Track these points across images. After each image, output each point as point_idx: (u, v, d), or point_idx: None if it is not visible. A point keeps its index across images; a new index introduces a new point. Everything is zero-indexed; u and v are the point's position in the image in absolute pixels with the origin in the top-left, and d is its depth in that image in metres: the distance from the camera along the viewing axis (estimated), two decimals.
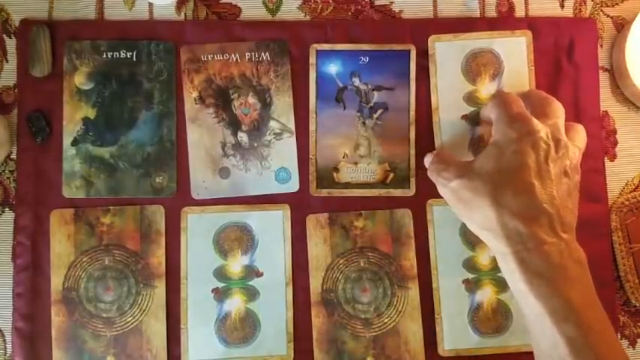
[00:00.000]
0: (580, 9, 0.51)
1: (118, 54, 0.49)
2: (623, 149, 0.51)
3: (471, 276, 0.49)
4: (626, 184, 0.51)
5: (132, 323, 0.47)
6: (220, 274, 0.48)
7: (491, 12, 0.51)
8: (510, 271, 0.39)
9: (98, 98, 0.49)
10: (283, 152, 0.49)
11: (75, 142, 0.48)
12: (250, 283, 0.48)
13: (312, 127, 0.49)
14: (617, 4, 0.52)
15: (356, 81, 0.50)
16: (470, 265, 0.49)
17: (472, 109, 0.50)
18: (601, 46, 0.51)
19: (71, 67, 0.49)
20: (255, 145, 0.49)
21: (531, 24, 0.50)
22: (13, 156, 0.49)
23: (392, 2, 0.51)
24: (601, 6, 0.52)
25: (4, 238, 0.49)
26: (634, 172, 0.51)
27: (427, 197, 0.49)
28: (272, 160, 0.49)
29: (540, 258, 0.38)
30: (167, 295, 0.48)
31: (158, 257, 0.48)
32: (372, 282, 0.48)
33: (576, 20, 0.51)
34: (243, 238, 0.48)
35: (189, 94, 0.49)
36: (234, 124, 0.49)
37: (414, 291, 0.48)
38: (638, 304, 0.49)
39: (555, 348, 0.37)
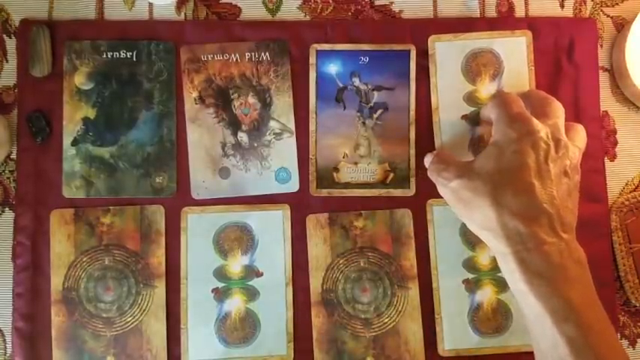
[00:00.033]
0: (580, 9, 0.51)
1: (118, 54, 0.49)
2: (623, 149, 0.51)
3: (471, 276, 0.49)
4: (626, 184, 0.51)
5: (132, 323, 0.47)
6: (220, 274, 0.48)
7: (492, 12, 0.51)
8: (510, 271, 0.39)
9: (98, 98, 0.49)
10: (283, 152, 0.49)
11: (75, 142, 0.48)
12: (250, 283, 0.48)
13: (312, 127, 0.49)
14: (617, 4, 0.52)
15: (356, 81, 0.50)
16: (470, 265, 0.49)
17: (472, 109, 0.50)
18: (601, 46, 0.51)
19: (71, 67, 0.49)
20: (255, 145, 0.49)
21: (531, 24, 0.50)
22: (13, 156, 0.49)
23: (392, 2, 0.51)
24: (601, 6, 0.52)
25: (4, 238, 0.49)
26: (634, 172, 0.51)
27: (427, 197, 0.49)
28: (272, 160, 0.49)
29: (540, 258, 0.38)
30: (167, 295, 0.48)
31: (158, 257, 0.48)
32: (372, 282, 0.48)
33: (576, 20, 0.51)
34: (243, 238, 0.48)
35: (189, 94, 0.49)
36: (234, 124, 0.49)
37: (414, 291, 0.48)
38: (638, 304, 0.49)
39: (555, 348, 0.37)
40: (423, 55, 0.50)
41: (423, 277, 0.48)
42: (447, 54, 0.50)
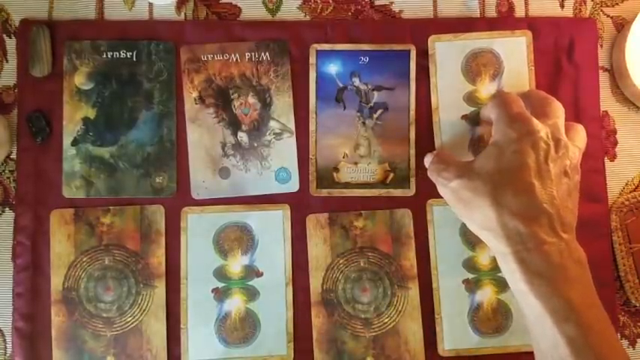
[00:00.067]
0: (580, 9, 0.51)
1: (118, 54, 0.49)
2: (623, 149, 0.51)
3: (471, 276, 0.49)
4: (626, 184, 0.51)
5: (132, 323, 0.47)
6: (220, 274, 0.48)
7: (492, 12, 0.51)
8: (510, 271, 0.39)
9: (98, 98, 0.49)
10: (283, 152, 0.49)
11: (75, 142, 0.48)
12: (250, 283, 0.48)
13: (312, 127, 0.49)
14: (617, 4, 0.52)
15: (356, 81, 0.50)
16: (470, 265, 0.49)
17: (472, 109, 0.50)
18: (601, 46, 0.51)
19: (71, 67, 0.49)
20: (255, 145, 0.49)
21: (531, 24, 0.50)
22: (13, 156, 0.49)
23: (392, 2, 0.51)
24: (601, 6, 0.52)
25: (4, 238, 0.49)
26: (634, 172, 0.51)
27: (427, 197, 0.49)
28: (272, 160, 0.49)
29: (540, 258, 0.38)
30: (167, 295, 0.48)
31: (158, 257, 0.48)
32: (372, 282, 0.48)
33: (576, 20, 0.51)
34: (243, 238, 0.48)
35: (189, 94, 0.49)
36: (234, 124, 0.49)
37: (414, 291, 0.48)
38: (638, 304, 0.49)
39: (556, 348, 0.37)
40: (423, 55, 0.50)
41: (423, 277, 0.48)
42: (447, 54, 0.50)
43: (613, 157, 0.51)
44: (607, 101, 0.51)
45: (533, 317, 0.38)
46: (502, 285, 0.48)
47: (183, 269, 0.48)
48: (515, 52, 0.50)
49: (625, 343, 0.49)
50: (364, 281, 0.48)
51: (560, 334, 0.36)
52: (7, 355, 0.48)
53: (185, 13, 0.50)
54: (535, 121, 0.41)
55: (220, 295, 0.48)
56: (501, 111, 0.42)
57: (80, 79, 0.49)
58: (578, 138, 0.43)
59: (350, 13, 0.51)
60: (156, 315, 0.47)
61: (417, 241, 0.49)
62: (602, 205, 0.50)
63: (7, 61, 0.50)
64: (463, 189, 0.41)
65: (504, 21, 0.50)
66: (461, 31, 0.50)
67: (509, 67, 0.50)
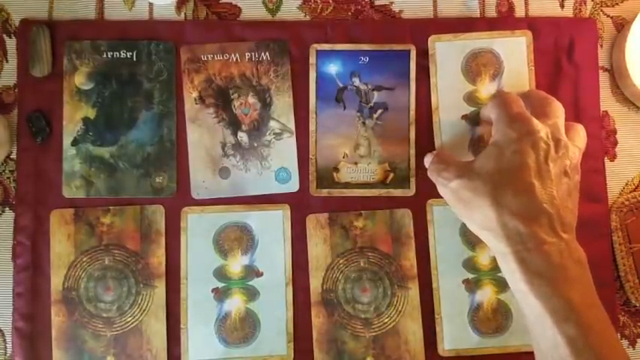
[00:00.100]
0: (580, 9, 0.51)
1: (118, 54, 0.49)
2: (623, 149, 0.51)
3: (471, 276, 0.49)
4: (626, 184, 0.51)
5: (132, 323, 0.47)
6: (220, 274, 0.48)
7: (492, 12, 0.51)
8: (510, 271, 0.39)
9: (98, 98, 0.49)
10: (283, 152, 0.49)
11: (75, 142, 0.48)
12: (250, 283, 0.48)
13: (312, 127, 0.49)
14: (617, 4, 0.52)
15: (356, 81, 0.50)
16: (470, 265, 0.49)
17: (472, 109, 0.50)
18: (601, 46, 0.51)
19: (71, 67, 0.49)
20: (255, 145, 0.49)
21: (531, 24, 0.50)
22: (13, 156, 0.49)
23: (392, 2, 0.51)
24: (601, 6, 0.52)
25: (4, 238, 0.49)
26: (634, 172, 0.51)
27: (427, 197, 0.49)
28: (272, 160, 0.49)
29: (540, 258, 0.38)
30: (167, 295, 0.48)
31: (158, 257, 0.48)
32: (372, 282, 0.48)
33: (576, 20, 0.51)
34: (243, 238, 0.48)
35: (189, 94, 0.49)
36: (234, 124, 0.49)
37: (414, 291, 0.48)
38: (638, 304, 0.49)
39: (556, 348, 0.37)
40: (423, 55, 0.50)
41: (423, 277, 0.48)
42: (447, 54, 0.50)
43: (613, 157, 0.51)
44: (607, 101, 0.51)
45: (533, 317, 0.38)
46: (502, 285, 0.48)
47: (183, 269, 0.48)
48: (515, 52, 0.50)
49: (625, 343, 0.49)
50: (364, 281, 0.48)
51: (560, 334, 0.36)
52: (7, 355, 0.48)
53: (185, 13, 0.50)
54: (535, 121, 0.41)
55: (220, 295, 0.48)
56: (501, 111, 0.42)
57: (80, 79, 0.49)
58: (578, 138, 0.43)
59: (350, 13, 0.51)
60: (156, 315, 0.47)
61: (417, 241, 0.49)
62: (602, 205, 0.49)
63: (7, 61, 0.50)
64: (463, 189, 0.41)
65: (504, 21, 0.50)
66: (461, 31, 0.50)
67: (509, 67, 0.50)
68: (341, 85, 0.50)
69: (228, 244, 0.48)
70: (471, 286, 0.49)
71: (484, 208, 0.40)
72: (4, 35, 0.50)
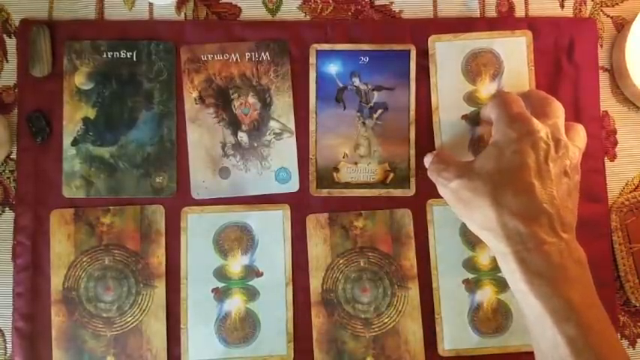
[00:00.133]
0: (580, 9, 0.51)
1: (118, 54, 0.49)
2: (623, 149, 0.51)
3: (471, 276, 0.49)
4: (626, 184, 0.51)
5: (132, 323, 0.47)
6: (220, 274, 0.48)
7: (492, 12, 0.51)
8: (511, 271, 0.39)
9: (98, 98, 0.49)
10: (283, 152, 0.49)
11: (75, 142, 0.48)
12: (250, 283, 0.48)
13: (312, 127, 0.49)
14: (617, 4, 0.52)
15: (356, 81, 0.50)
16: (470, 265, 0.49)
17: (472, 109, 0.50)
18: (601, 46, 0.51)
19: (71, 67, 0.49)
20: (255, 145, 0.49)
21: (531, 24, 0.50)
22: (13, 156, 0.49)
23: (392, 2, 0.51)
24: (601, 6, 0.52)
25: (4, 238, 0.49)
26: (634, 172, 0.51)
27: (427, 197, 0.49)
28: (272, 160, 0.49)
29: (540, 258, 0.38)
30: (167, 295, 0.48)
31: (158, 257, 0.48)
32: (372, 282, 0.48)
33: (576, 20, 0.51)
34: (243, 238, 0.48)
35: (189, 94, 0.49)
36: (234, 124, 0.49)
37: (414, 291, 0.48)
38: (638, 304, 0.49)
39: (556, 348, 0.37)
40: (423, 55, 0.50)
41: (423, 277, 0.48)
42: (447, 54, 0.50)
43: (613, 157, 0.51)
44: (607, 101, 0.51)
45: (534, 317, 0.38)
46: (502, 285, 0.48)
47: (183, 269, 0.48)
48: (515, 52, 0.50)
49: (625, 343, 0.49)
50: (364, 281, 0.48)
51: (560, 334, 0.36)
52: (7, 355, 0.48)
53: (185, 13, 0.50)
54: (535, 121, 0.41)
55: (220, 295, 0.48)
56: (501, 111, 0.42)
57: (80, 79, 0.49)
58: (578, 138, 0.43)
59: (350, 13, 0.51)
60: (156, 315, 0.47)
61: (417, 241, 0.49)
62: (602, 205, 0.50)
63: (7, 61, 0.50)
64: (463, 189, 0.41)
65: (504, 21, 0.50)
66: (461, 31, 0.50)
67: (509, 67, 0.50)
68: (341, 85, 0.50)
69: (228, 244, 0.48)
70: (471, 286, 0.49)
71: (484, 208, 0.40)
72: (4, 35, 0.50)
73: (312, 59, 0.49)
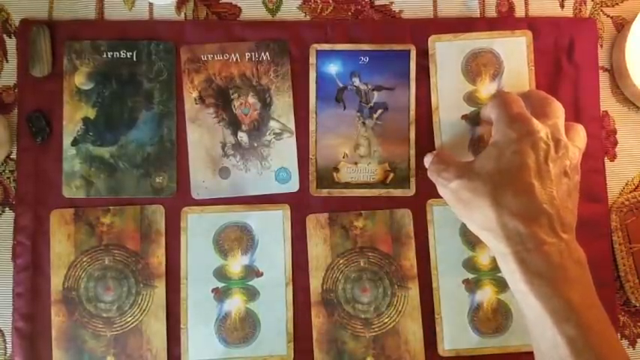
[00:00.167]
0: (580, 9, 0.51)
1: (118, 54, 0.49)
2: (623, 149, 0.51)
3: (471, 276, 0.49)
4: (626, 184, 0.51)
5: (132, 323, 0.47)
6: (220, 274, 0.48)
7: (492, 12, 0.51)
8: (510, 271, 0.39)
9: (98, 98, 0.49)
10: (283, 152, 0.49)
11: (75, 142, 0.48)
12: (250, 283, 0.48)
13: (312, 127, 0.49)
14: (617, 4, 0.52)
15: (356, 81, 0.50)
16: (470, 265, 0.49)
17: (472, 109, 0.50)
18: (601, 46, 0.51)
19: (71, 67, 0.49)
20: (255, 145, 0.49)
21: (531, 24, 0.50)
22: (13, 156, 0.49)
23: (392, 2, 0.51)
24: (601, 6, 0.52)
25: (4, 238, 0.49)
26: (634, 172, 0.51)
27: (427, 197, 0.49)
28: (272, 160, 0.49)
29: (540, 258, 0.38)
30: (167, 295, 0.48)
31: (158, 257, 0.48)
32: (372, 282, 0.48)
33: (576, 20, 0.51)
34: (243, 238, 0.48)
35: (189, 94, 0.49)
36: (234, 124, 0.49)
37: (414, 291, 0.48)
38: (638, 304, 0.49)
39: (556, 348, 0.37)
40: (423, 55, 0.50)
41: (423, 277, 0.48)
42: (447, 54, 0.50)
43: (613, 157, 0.51)
44: (607, 101, 0.51)
45: (533, 317, 0.38)
46: (502, 285, 0.48)
47: (183, 269, 0.48)
48: (515, 52, 0.50)
49: (625, 343, 0.49)
50: (364, 281, 0.48)
51: (560, 335, 0.36)
52: (7, 355, 0.48)
53: (185, 13, 0.50)
54: (535, 122, 0.41)
55: (220, 295, 0.48)
56: (501, 111, 0.42)
57: (80, 79, 0.49)
58: (578, 138, 0.43)
59: (350, 13, 0.51)
60: (156, 315, 0.47)
61: (417, 241, 0.49)
62: (602, 205, 0.50)
63: (7, 61, 0.50)
64: (463, 189, 0.41)
65: (504, 21, 0.50)
66: (461, 31, 0.50)
67: (509, 67, 0.50)
68: (341, 85, 0.50)
69: (228, 244, 0.48)
70: (471, 286, 0.49)
71: (484, 209, 0.40)
72: (4, 35, 0.50)
73: (312, 59, 0.49)
